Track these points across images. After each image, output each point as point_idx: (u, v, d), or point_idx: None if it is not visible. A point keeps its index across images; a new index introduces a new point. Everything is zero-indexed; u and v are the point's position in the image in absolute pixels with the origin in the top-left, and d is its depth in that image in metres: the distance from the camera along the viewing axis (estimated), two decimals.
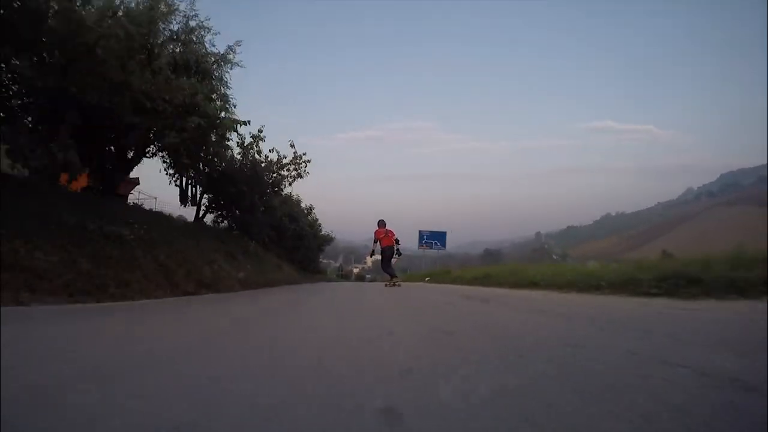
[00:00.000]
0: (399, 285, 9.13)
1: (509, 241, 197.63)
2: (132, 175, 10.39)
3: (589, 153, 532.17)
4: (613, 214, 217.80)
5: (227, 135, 9.08)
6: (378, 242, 9.75)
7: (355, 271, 60.72)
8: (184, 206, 11.37)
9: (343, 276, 44.67)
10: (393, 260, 10.04)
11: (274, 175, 13.23)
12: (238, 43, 8.89)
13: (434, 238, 23.62)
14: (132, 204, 11.92)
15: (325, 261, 57.89)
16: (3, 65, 5.78)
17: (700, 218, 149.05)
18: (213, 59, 8.59)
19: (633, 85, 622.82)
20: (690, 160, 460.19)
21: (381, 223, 9.87)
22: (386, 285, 9.19)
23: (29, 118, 6.70)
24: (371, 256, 12.17)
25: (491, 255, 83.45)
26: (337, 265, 57.32)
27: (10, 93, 6.25)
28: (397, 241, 9.80)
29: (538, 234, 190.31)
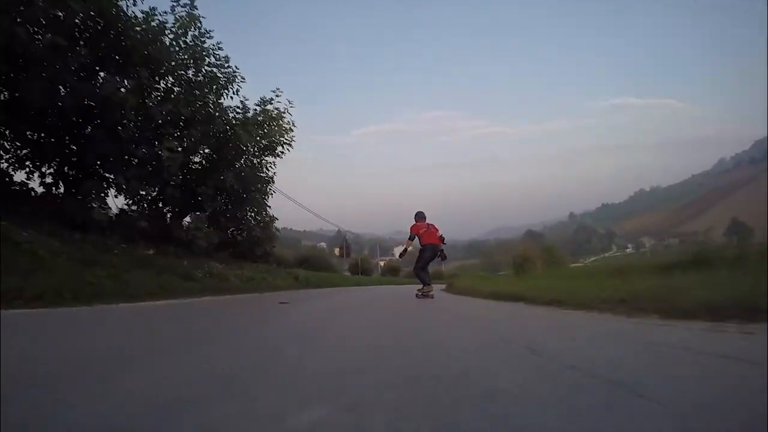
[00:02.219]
0: (432, 296, 7.37)
1: (541, 224, 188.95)
2: None
3: (613, 131, 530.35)
4: (647, 189, 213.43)
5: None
6: (415, 238, 7.84)
7: (382, 264, 51.24)
8: None
9: (362, 272, 36.19)
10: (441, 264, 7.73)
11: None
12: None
13: None
14: None
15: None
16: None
17: (759, 181, 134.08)
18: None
19: (651, 61, 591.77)
20: (715, 132, 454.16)
21: (420, 216, 7.95)
22: (418, 294, 7.45)
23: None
24: (401, 256, 9.88)
25: (533, 236, 77.27)
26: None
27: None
28: (442, 240, 8.01)
29: (572, 215, 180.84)
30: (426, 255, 7.82)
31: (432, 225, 7.96)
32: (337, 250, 51.65)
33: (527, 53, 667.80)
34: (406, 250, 8.68)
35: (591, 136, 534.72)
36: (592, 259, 70.98)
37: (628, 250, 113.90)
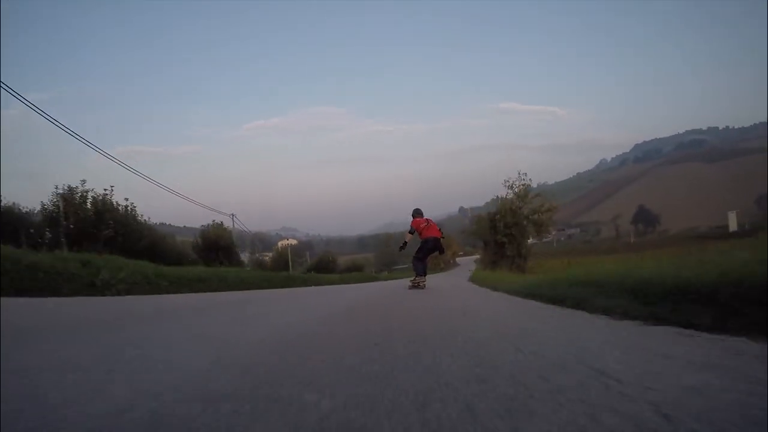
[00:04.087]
0: (423, 287, 7.82)
1: (432, 218, 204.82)
2: None
3: (501, 132, 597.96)
4: (535, 186, 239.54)
5: None
6: (415, 233, 8.29)
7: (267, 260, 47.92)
8: None
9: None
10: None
11: None
12: None
13: None
14: None
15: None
16: None
17: (647, 177, 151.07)
18: None
19: (537, 71, 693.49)
20: (594, 136, 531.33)
21: (418, 212, 8.54)
22: (410, 286, 7.98)
23: None
24: (401, 249, 9.73)
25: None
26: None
27: None
28: (441, 234, 8.43)
29: (461, 208, 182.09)
30: (428, 246, 8.20)
31: (431, 220, 8.54)
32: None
33: (419, 57, 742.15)
34: (406, 243, 8.96)
35: (479, 136, 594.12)
36: None
37: (530, 241, 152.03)
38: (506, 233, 20.99)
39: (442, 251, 8.71)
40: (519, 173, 22.49)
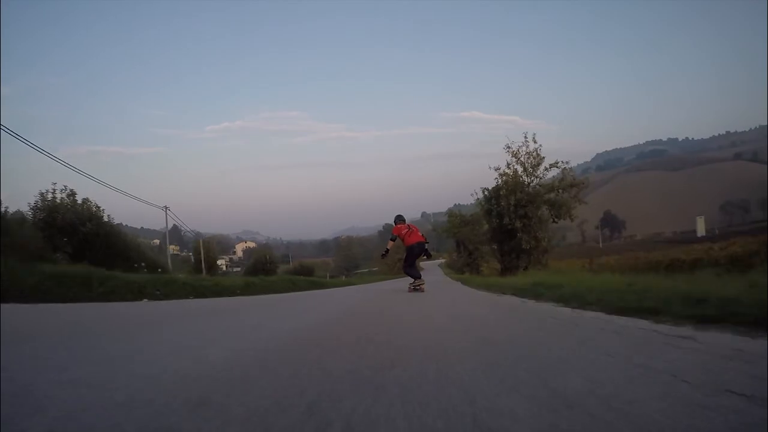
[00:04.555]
0: (423, 289, 7.67)
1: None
2: None
3: (463, 139, 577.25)
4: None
5: None
6: (396, 239, 8.23)
7: (221, 263, 47.55)
8: None
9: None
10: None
11: None
12: None
13: None
14: None
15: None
16: None
17: (611, 184, 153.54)
18: None
19: (498, 82, 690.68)
20: (558, 146, 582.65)
21: (400, 219, 8.41)
22: (410, 289, 7.82)
23: None
24: (383, 256, 9.71)
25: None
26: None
27: None
28: (425, 239, 8.36)
29: (424, 213, 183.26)
30: (414, 252, 8.05)
31: (413, 226, 8.41)
32: (172, 248, 47.79)
33: (383, 65, 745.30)
34: (388, 250, 8.91)
35: (441, 143, 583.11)
36: None
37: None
38: (521, 215, 14.27)
39: (429, 255, 8.71)
40: (525, 136, 15.40)
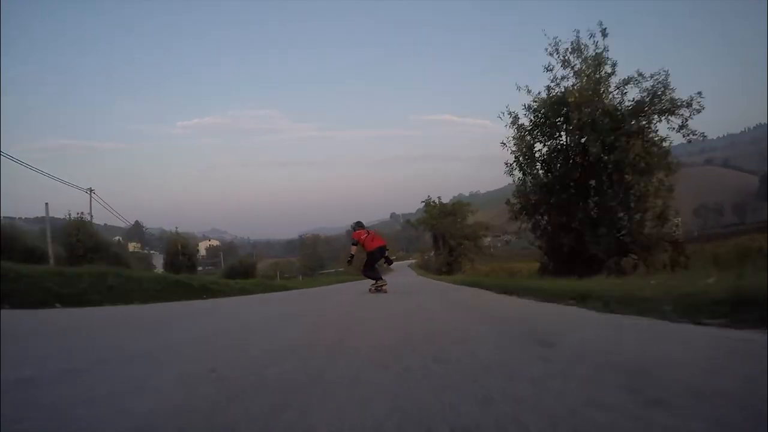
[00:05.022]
0: (385, 290, 7.94)
1: (364, 222, 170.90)
2: None
3: (432, 141, 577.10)
4: (467, 194, 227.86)
5: None
6: (358, 245, 8.37)
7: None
8: None
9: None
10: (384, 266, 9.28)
11: None
12: None
13: None
14: None
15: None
16: None
17: None
18: None
19: (467, 85, 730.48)
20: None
21: (359, 225, 8.62)
22: (371, 290, 8.07)
23: None
24: (349, 263, 9.99)
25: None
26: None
27: None
28: (384, 244, 8.51)
29: (393, 214, 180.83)
30: (374, 257, 8.24)
31: (372, 231, 8.65)
32: (132, 245, 48.48)
33: (357, 67, 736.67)
34: (352, 256, 9.06)
35: (412, 145, 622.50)
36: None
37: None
38: (610, 143, 9.29)
39: (389, 261, 8.92)
40: (576, 34, 10.39)
